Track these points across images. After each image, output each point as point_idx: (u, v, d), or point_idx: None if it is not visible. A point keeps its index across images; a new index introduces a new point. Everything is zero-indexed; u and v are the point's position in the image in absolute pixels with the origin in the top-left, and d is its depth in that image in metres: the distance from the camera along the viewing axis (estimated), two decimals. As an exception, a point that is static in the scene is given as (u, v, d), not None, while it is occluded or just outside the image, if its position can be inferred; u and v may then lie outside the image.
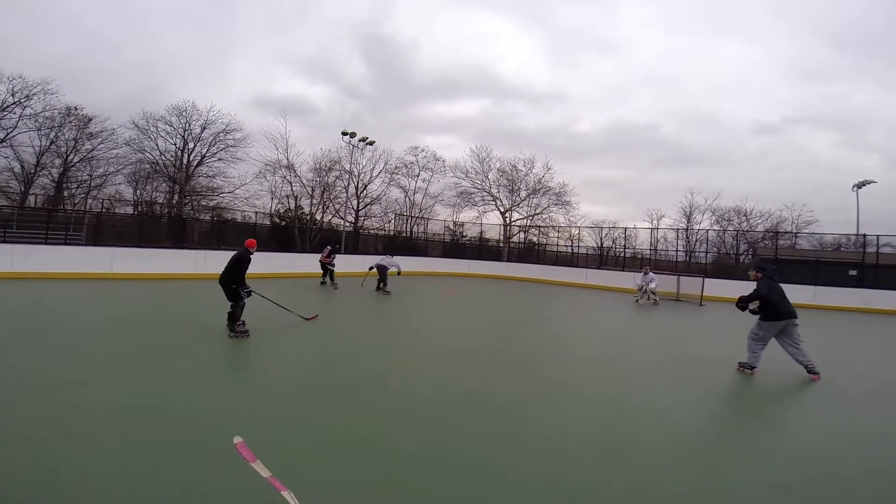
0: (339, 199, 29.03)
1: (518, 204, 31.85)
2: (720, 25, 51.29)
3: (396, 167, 32.28)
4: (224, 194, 28.22)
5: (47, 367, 4.59)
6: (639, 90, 52.45)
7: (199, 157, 27.95)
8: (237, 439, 3.13)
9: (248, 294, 6.43)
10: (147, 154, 26.95)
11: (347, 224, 27.51)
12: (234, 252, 6.58)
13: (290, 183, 28.35)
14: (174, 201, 27.25)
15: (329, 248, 14.62)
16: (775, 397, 5.32)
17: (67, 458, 2.78)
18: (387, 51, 54.22)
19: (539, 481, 2.86)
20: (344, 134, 24.07)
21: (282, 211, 28.74)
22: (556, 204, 31.31)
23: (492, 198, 32.21)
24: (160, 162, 27.31)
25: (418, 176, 33.07)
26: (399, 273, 13.82)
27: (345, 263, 15.82)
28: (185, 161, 27.76)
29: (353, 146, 25.12)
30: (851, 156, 42.38)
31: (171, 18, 41.24)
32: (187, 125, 27.27)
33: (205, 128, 27.50)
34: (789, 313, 5.70)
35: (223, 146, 28.04)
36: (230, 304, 6.42)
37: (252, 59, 48.28)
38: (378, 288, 13.33)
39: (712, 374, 5.86)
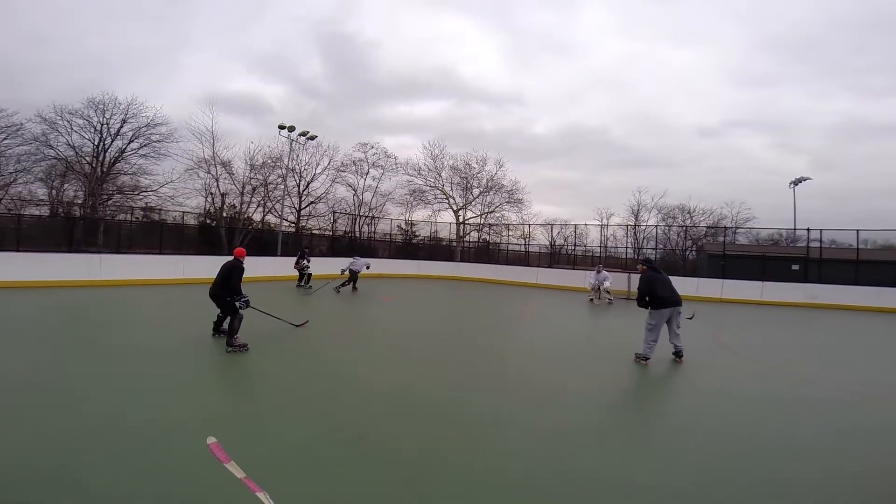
0: (276, 196, 26.86)
1: (471, 202, 30.94)
2: (670, 31, 53.05)
3: (343, 164, 30.57)
4: (147, 193, 25.43)
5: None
6: (592, 93, 53.49)
7: (117, 153, 25.01)
8: (210, 440, 3.01)
9: (247, 304, 6.02)
10: (56, 150, 23.76)
11: (287, 224, 25.52)
12: (226, 261, 6.25)
13: (217, 180, 25.98)
14: (88, 202, 24.18)
15: (300, 253, 14.65)
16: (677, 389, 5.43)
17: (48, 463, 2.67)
18: (348, 50, 52.30)
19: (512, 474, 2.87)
20: (281, 128, 22.13)
21: (212, 211, 26.28)
22: (508, 202, 30.72)
23: (445, 196, 31.11)
24: (69, 159, 24.10)
25: (368, 173, 31.50)
26: (368, 268, 14.58)
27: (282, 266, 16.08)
28: (101, 158, 24.73)
29: (293, 140, 23.25)
30: (783, 157, 44.76)
31: (124, 11, 37.68)
32: (105, 119, 24.30)
33: (125, 121, 24.64)
34: (674, 301, 6.14)
35: (146, 141, 25.28)
36: (219, 315, 6.31)
37: (206, 56, 45.06)
38: (344, 285, 13.81)
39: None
